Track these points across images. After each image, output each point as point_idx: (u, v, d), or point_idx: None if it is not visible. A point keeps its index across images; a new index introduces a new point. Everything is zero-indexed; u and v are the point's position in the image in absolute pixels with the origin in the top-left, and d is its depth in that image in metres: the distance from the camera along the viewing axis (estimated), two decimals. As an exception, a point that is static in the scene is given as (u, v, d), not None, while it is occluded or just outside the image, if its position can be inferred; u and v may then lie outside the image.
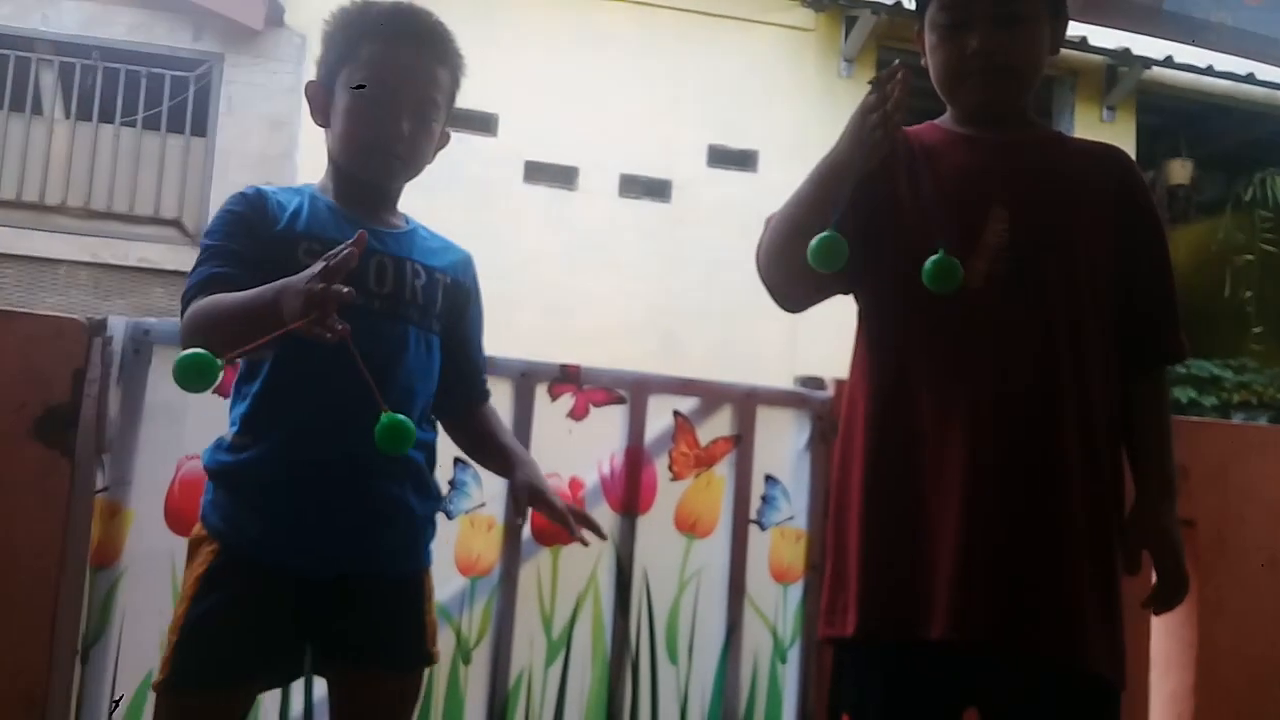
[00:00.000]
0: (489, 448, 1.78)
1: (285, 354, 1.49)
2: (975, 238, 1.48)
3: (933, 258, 1.39)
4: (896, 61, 1.39)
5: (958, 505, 1.43)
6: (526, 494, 1.70)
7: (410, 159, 1.63)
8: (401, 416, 1.30)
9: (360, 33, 1.61)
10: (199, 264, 1.53)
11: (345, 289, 1.22)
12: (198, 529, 1.56)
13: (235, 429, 1.56)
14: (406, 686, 1.65)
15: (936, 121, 1.62)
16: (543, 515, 1.72)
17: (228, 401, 1.60)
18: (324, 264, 1.24)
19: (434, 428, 1.70)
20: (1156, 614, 1.56)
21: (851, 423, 1.57)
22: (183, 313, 1.47)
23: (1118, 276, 1.53)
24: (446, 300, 1.67)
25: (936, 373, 1.49)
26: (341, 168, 1.65)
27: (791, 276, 1.55)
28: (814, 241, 1.37)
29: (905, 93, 1.36)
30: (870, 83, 1.39)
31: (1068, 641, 1.42)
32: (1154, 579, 1.53)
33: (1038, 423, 1.45)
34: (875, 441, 1.52)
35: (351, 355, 1.25)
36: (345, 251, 1.24)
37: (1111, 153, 1.63)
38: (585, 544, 1.71)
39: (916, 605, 1.43)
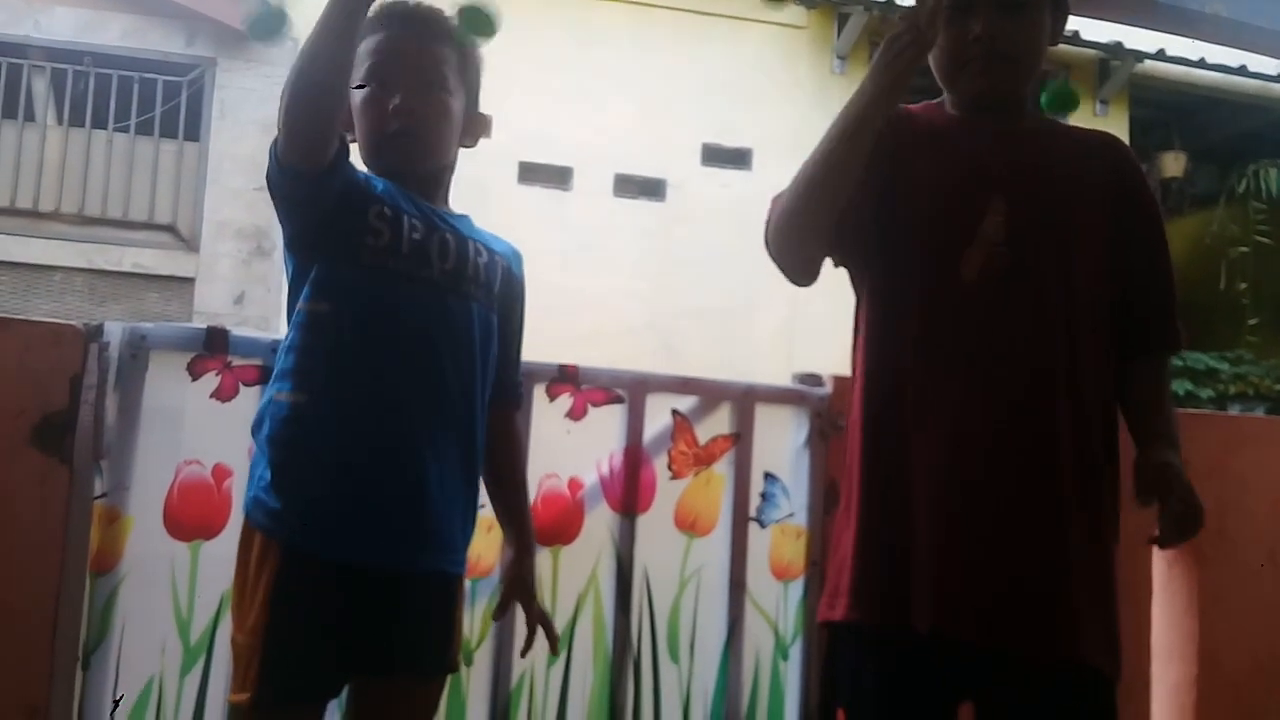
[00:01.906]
0: (502, 480, 1.72)
1: (344, 316, 1.49)
2: (973, 228, 1.48)
3: (1053, 83, 1.43)
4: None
5: (947, 495, 1.43)
6: (517, 592, 1.69)
7: (422, 133, 1.59)
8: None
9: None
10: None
11: None
12: (245, 526, 1.51)
13: (286, 387, 1.49)
14: (433, 693, 1.62)
15: (936, 103, 1.61)
16: (522, 609, 1.70)
17: (227, 406, 1.59)
18: None
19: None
20: (1164, 546, 1.45)
21: (851, 412, 1.58)
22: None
23: (1114, 267, 1.53)
24: (504, 285, 1.66)
25: (930, 362, 1.48)
26: (370, 168, 1.61)
27: (805, 240, 1.54)
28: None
29: (936, 20, 1.39)
30: (900, 18, 1.41)
31: (1060, 640, 1.41)
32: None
33: (1031, 413, 1.45)
34: (870, 429, 1.52)
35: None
36: None
37: (1108, 141, 1.63)
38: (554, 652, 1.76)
39: (908, 594, 1.43)
